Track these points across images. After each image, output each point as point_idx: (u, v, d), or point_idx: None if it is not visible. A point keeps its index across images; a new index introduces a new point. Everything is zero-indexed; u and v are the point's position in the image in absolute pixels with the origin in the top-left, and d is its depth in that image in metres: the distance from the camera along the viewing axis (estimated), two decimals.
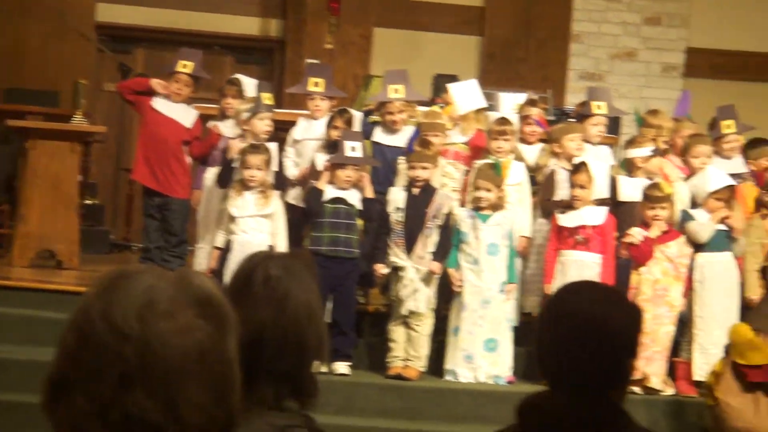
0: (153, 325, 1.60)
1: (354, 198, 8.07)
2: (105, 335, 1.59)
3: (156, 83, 9.43)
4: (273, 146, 8.42)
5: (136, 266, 1.68)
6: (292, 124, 9.03)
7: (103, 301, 1.62)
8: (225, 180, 8.38)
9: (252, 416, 2.75)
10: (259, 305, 2.85)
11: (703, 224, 8.21)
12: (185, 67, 9.43)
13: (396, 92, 8.69)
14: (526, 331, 8.01)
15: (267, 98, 8.85)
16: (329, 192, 8.05)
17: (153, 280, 1.65)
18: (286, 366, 2.87)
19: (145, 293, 1.62)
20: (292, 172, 8.80)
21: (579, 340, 2.71)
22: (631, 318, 2.80)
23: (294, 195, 8.73)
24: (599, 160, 8.65)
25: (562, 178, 8.49)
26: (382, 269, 8.10)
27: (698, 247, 8.23)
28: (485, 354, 8.00)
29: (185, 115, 9.43)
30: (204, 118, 9.50)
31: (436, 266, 7.99)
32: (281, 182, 8.50)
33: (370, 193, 8.10)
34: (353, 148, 8.04)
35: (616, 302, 2.82)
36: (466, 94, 8.92)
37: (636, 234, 8.12)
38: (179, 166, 9.43)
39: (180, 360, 1.60)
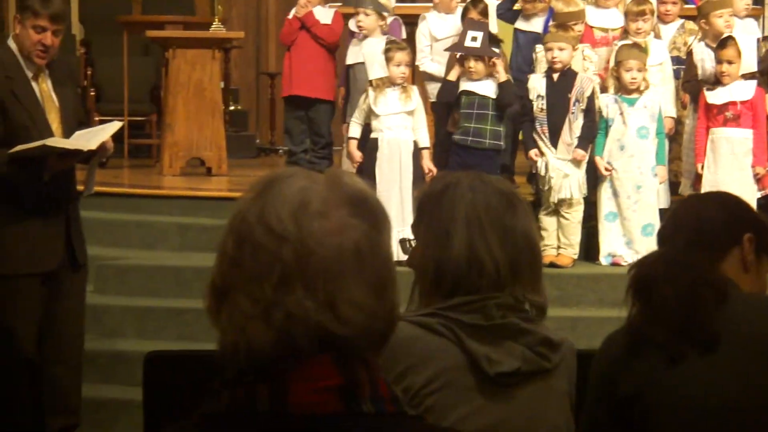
0: (308, 226, 1.61)
1: (486, 88, 7.98)
2: (262, 237, 1.61)
3: (298, 7, 9.49)
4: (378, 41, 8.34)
5: (287, 170, 1.70)
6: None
7: (258, 204, 1.64)
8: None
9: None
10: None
11: None
12: None
13: None
14: None
15: None
16: (462, 84, 8.01)
17: (305, 182, 1.66)
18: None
19: (298, 195, 1.64)
20: (435, 68, 8.77)
21: (696, 205, 2.97)
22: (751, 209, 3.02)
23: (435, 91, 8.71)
24: (746, 33, 8.42)
25: (703, 57, 8.28)
26: (534, 155, 7.98)
27: None
28: (643, 239, 7.86)
29: (325, 17, 9.46)
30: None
31: (581, 154, 7.88)
32: None
33: (503, 77, 8.00)
34: (473, 38, 7.95)
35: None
36: None
37: None
38: (327, 67, 9.48)
39: (337, 259, 1.61)
